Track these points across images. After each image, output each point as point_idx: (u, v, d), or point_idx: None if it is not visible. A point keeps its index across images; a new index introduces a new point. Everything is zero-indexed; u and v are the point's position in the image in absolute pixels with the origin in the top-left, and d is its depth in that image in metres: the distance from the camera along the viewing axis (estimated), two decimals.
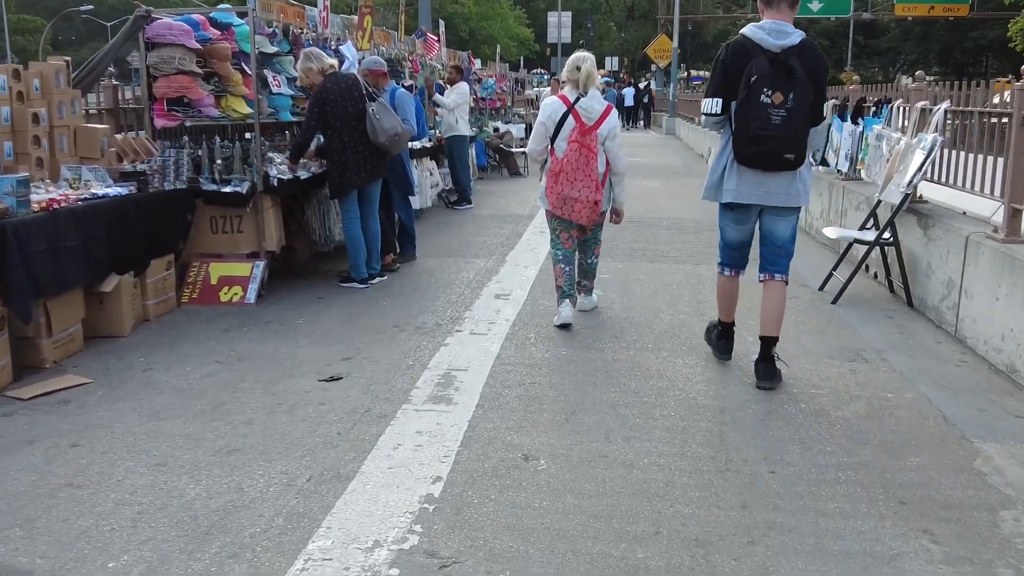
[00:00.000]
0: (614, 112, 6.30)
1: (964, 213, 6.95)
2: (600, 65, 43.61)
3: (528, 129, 19.41)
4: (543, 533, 3.45)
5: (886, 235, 7.26)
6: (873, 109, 9.18)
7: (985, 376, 5.48)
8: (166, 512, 3.63)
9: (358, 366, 5.52)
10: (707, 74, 52.68)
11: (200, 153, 7.17)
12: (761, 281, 5.38)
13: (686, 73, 57.77)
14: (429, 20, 15.36)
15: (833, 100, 10.49)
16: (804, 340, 6.22)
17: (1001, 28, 40.66)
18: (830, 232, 7.69)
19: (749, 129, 4.74)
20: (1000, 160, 6.32)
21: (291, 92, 8.45)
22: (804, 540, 3.44)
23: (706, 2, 50.59)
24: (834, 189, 9.80)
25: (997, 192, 6.31)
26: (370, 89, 7.55)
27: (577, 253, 6.59)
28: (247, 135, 7.30)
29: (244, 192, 6.99)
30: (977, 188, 6.67)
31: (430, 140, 12.42)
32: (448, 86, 13.43)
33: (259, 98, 8.10)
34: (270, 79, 8.27)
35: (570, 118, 6.09)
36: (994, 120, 6.56)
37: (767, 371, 5.18)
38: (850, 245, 7.80)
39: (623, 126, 36.18)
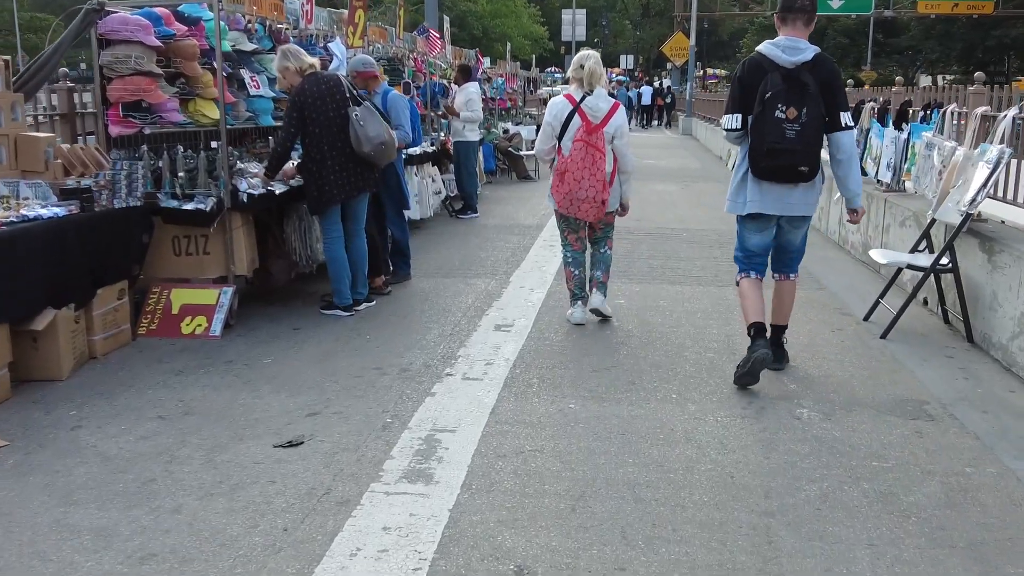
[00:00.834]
0: (621, 110, 6.21)
1: None
2: (615, 63, 42.64)
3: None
4: None
5: (943, 260, 6.26)
6: (921, 114, 8.17)
7: None
8: None
9: (325, 424, 4.57)
10: (723, 72, 51.64)
11: (161, 165, 6.23)
12: (775, 279, 5.57)
13: (702, 72, 56.64)
14: (435, 16, 14.38)
15: (871, 103, 9.49)
16: (856, 388, 5.24)
17: None
18: (878, 256, 6.69)
19: (765, 143, 4.83)
20: None
21: (272, 94, 7.52)
22: None
23: (723, 5, 49.41)
24: (874, 202, 8.79)
25: None
26: (355, 91, 6.59)
27: (589, 248, 6.55)
28: (212, 144, 6.34)
29: (208, 209, 6.05)
30: None
31: (433, 144, 11.47)
32: (453, 87, 12.47)
33: (236, 101, 7.19)
34: (248, 80, 7.35)
35: (576, 117, 6.05)
36: None
37: (776, 354, 5.44)
38: (899, 270, 6.79)
39: (639, 126, 35.17)
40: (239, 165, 6.50)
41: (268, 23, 7.57)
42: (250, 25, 7.18)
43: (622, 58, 54.64)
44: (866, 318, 6.78)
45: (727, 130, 5.14)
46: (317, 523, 3.53)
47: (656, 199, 13.90)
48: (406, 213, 9.41)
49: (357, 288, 6.74)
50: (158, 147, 6.41)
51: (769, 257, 5.48)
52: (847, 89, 10.90)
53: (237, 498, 3.75)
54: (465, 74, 12.25)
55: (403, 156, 7.97)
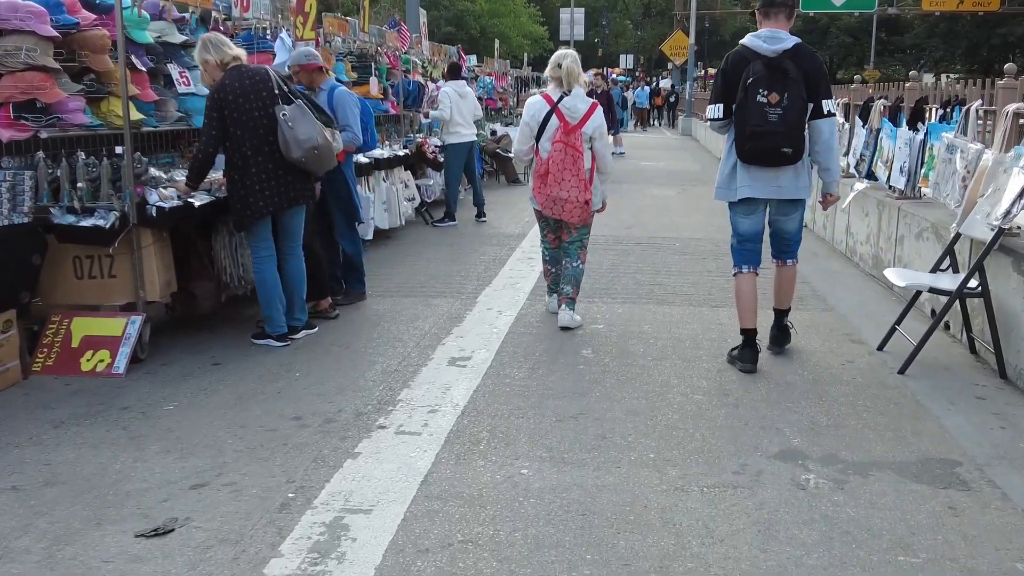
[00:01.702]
0: (599, 111, 6.09)
1: None
2: (615, 64, 41.62)
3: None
4: None
5: (972, 283, 5.30)
6: (940, 112, 7.21)
7: None
8: None
9: (209, 502, 3.62)
10: None
11: (59, 174, 5.29)
12: (775, 264, 5.65)
13: (703, 71, 55.61)
14: (417, 11, 13.42)
15: (882, 101, 8.52)
16: (873, 442, 4.28)
17: None
18: (895, 277, 5.70)
19: (748, 127, 4.97)
20: None
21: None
22: None
23: (723, 3, 48.35)
24: (886, 210, 7.82)
25: None
26: (287, 87, 5.63)
27: (562, 258, 6.31)
28: (117, 149, 5.39)
29: (108, 226, 5.11)
30: None
31: (406, 147, 10.51)
32: (429, 84, 11.52)
33: (165, 100, 6.28)
34: (176, 76, 6.41)
35: (553, 118, 5.93)
36: None
37: (779, 337, 5.64)
38: (919, 293, 5.82)
39: (636, 127, 34.10)
40: (152, 173, 5.54)
41: (209, 13, 6.63)
42: (191, 14, 6.23)
43: (622, 58, 53.61)
44: (880, 347, 5.83)
45: (711, 119, 5.31)
46: None
47: (651, 204, 12.94)
48: (373, 223, 8.49)
49: (294, 314, 5.79)
50: (60, 153, 5.46)
51: (767, 247, 5.58)
52: (854, 87, 9.93)
53: None
54: (453, 73, 11.31)
55: (353, 161, 7.00)
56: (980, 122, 6.33)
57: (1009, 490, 3.79)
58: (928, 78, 51.52)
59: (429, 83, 11.73)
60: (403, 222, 10.00)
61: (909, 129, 7.52)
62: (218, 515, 3.49)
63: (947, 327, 6.13)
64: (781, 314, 5.65)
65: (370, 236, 8.99)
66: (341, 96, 6.65)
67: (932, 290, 5.46)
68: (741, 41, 5.23)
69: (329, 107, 6.59)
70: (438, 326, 6.27)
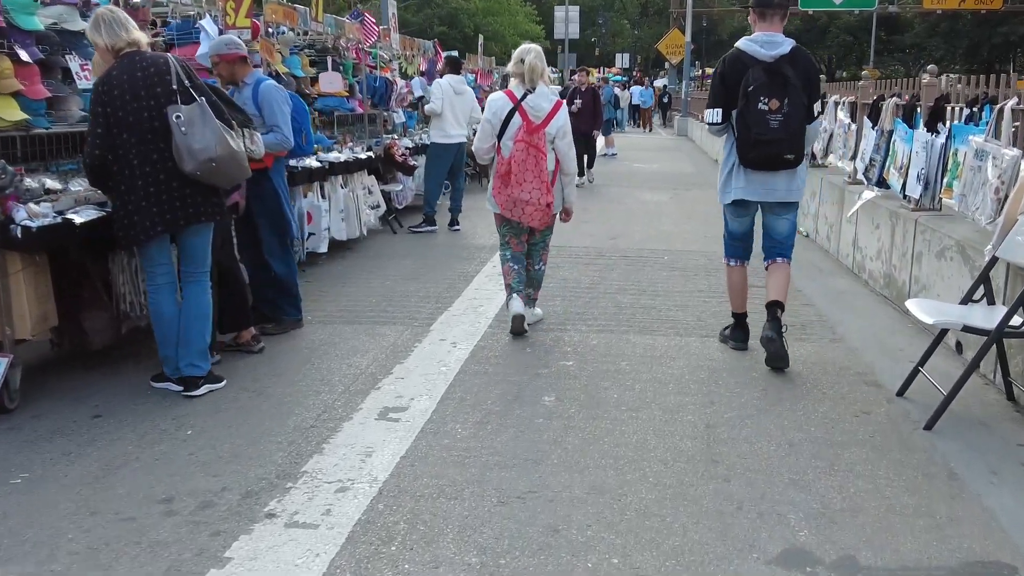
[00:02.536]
0: (563, 109, 5.82)
1: None
2: (611, 63, 40.56)
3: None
4: None
5: (1015, 319, 4.30)
6: (967, 112, 6.20)
7: None
8: None
9: None
10: None
11: None
12: (766, 267, 5.49)
13: (700, 71, 54.58)
14: (387, 1, 12.40)
15: (895, 99, 7.51)
16: (901, 535, 3.30)
17: None
18: (921, 311, 4.66)
19: (751, 135, 4.97)
20: None
21: None
22: None
23: (720, 1, 47.28)
24: (900, 223, 6.82)
25: None
26: (189, 83, 4.61)
27: (525, 259, 6.04)
28: None
29: None
30: None
31: (371, 150, 9.51)
32: (399, 82, 10.52)
33: (64, 96, 5.32)
34: (77, 68, 5.46)
35: (516, 116, 5.65)
36: None
37: (774, 327, 5.23)
38: (946, 331, 4.80)
39: (633, 126, 32.97)
40: (27, 184, 4.54)
41: None
42: None
43: (618, 57, 52.52)
44: (901, 392, 4.83)
45: (709, 123, 5.29)
46: None
47: (640, 211, 11.92)
48: (327, 235, 7.49)
49: (188, 360, 4.74)
50: None
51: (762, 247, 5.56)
52: (862, 83, 8.92)
53: None
54: (453, 66, 10.44)
55: (283, 168, 5.98)
56: (1017, 124, 5.32)
57: None
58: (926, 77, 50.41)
59: (399, 80, 10.69)
60: (364, 232, 8.97)
61: (928, 131, 6.51)
62: None
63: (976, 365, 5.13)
64: (774, 307, 5.30)
65: (323, 250, 7.99)
66: (268, 92, 5.64)
67: (967, 328, 4.44)
68: (737, 45, 5.20)
69: (255, 104, 5.60)
70: (378, 363, 5.27)
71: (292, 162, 7.49)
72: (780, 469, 3.88)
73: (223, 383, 4.86)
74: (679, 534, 3.29)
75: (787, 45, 5.05)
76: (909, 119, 7.09)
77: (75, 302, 4.97)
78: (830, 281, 7.74)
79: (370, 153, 9.31)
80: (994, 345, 4.55)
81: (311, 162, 7.79)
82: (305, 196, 7.86)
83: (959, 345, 5.51)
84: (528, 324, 5.89)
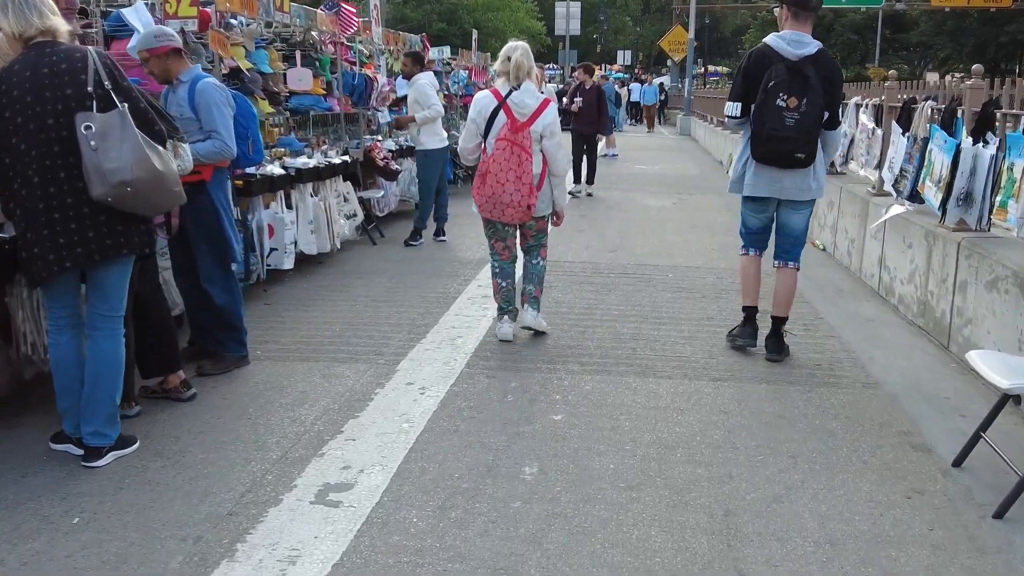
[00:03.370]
0: (551, 107, 5.53)
1: None
2: (612, 60, 39.53)
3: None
4: None
5: None
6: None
7: None
8: None
9: None
10: (724, 69, 48.86)
11: None
12: (775, 267, 5.48)
13: (703, 69, 53.63)
14: None
15: (931, 103, 6.59)
16: None
17: None
18: (990, 370, 3.72)
19: (764, 130, 4.96)
20: None
21: None
22: None
23: None
24: (939, 244, 5.91)
25: None
26: (111, 84, 3.68)
27: (521, 259, 5.80)
28: None
29: None
30: None
31: (346, 153, 8.61)
32: (382, 81, 9.59)
33: None
34: None
35: (501, 114, 5.40)
36: None
37: (776, 345, 5.37)
38: (1005, 399, 3.86)
39: (630, 122, 31.90)
40: None
41: None
42: None
43: (619, 54, 51.51)
44: (957, 463, 3.93)
45: (728, 116, 5.27)
46: None
47: (641, 218, 11.00)
48: (292, 250, 6.58)
49: (96, 425, 3.82)
50: None
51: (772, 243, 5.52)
52: (888, 84, 8.00)
53: None
54: (417, 62, 9.24)
55: (226, 180, 5.07)
56: None
57: None
58: (932, 77, 49.40)
59: (380, 77, 9.76)
60: (338, 245, 8.06)
61: (974, 141, 5.60)
62: None
63: None
64: (779, 322, 5.45)
65: (289, 266, 7.08)
66: (205, 92, 4.73)
67: None
68: (765, 40, 5.16)
69: (191, 106, 4.69)
70: (328, 417, 4.36)
71: (251, 169, 6.60)
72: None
73: (135, 446, 3.96)
74: None
75: (813, 47, 5.02)
76: (948, 126, 6.17)
77: None
78: (854, 306, 6.83)
79: (345, 157, 8.40)
80: None
81: (273, 169, 6.88)
82: (267, 207, 6.96)
83: (1020, 400, 4.60)
84: (529, 327, 5.72)
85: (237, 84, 7.63)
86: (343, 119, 9.07)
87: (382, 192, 9.45)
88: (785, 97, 4.91)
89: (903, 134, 6.92)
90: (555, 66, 45.05)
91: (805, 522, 3.40)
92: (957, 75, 45.57)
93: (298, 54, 7.79)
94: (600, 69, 39.79)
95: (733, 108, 5.20)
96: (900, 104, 7.30)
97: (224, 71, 7.25)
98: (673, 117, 35.77)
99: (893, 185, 6.94)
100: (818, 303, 6.81)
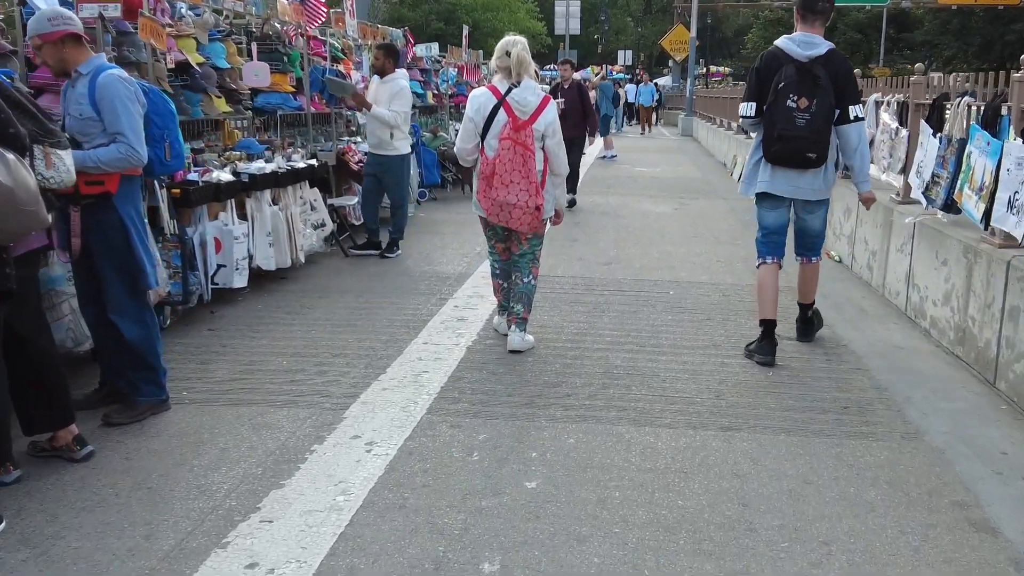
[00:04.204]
0: (552, 104, 5.24)
1: None
2: (613, 60, 38.57)
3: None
4: None
5: None
6: None
7: None
8: None
9: None
10: (727, 70, 48.04)
11: None
12: (797, 262, 5.48)
13: (705, 69, 52.70)
14: None
15: (967, 99, 5.73)
16: None
17: None
18: None
19: (776, 130, 4.96)
20: None
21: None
22: None
23: None
24: (982, 262, 5.05)
25: None
26: None
27: (511, 273, 5.41)
28: None
29: None
30: None
31: (313, 156, 7.75)
32: (359, 77, 8.72)
33: None
34: None
35: (501, 112, 5.10)
36: None
37: (805, 329, 5.52)
38: None
39: (625, 124, 30.80)
40: None
41: None
42: None
43: (620, 54, 50.57)
44: None
45: (742, 116, 5.26)
46: None
47: (640, 226, 10.13)
48: (244, 267, 5.72)
49: None
50: None
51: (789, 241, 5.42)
52: (915, 78, 7.12)
53: None
54: (392, 57, 8.18)
55: (137, 192, 4.19)
56: None
57: None
58: (936, 77, 48.21)
59: (354, 74, 8.88)
60: (302, 259, 7.19)
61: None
62: None
63: None
64: (805, 308, 5.56)
65: (240, 284, 6.22)
66: (108, 86, 3.87)
67: None
68: (776, 42, 5.20)
69: (91, 103, 3.83)
70: (245, 487, 3.50)
71: (193, 175, 5.75)
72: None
73: (2, 524, 3.10)
74: None
75: (824, 47, 5.01)
76: (992, 126, 5.30)
77: None
78: (880, 330, 5.96)
79: (312, 161, 7.53)
80: None
81: (220, 175, 6.02)
82: (215, 218, 6.10)
83: None
84: (517, 351, 5.27)
85: (186, 80, 6.81)
86: (310, 119, 8.18)
87: (356, 199, 8.58)
88: (795, 98, 4.91)
89: (934, 135, 6.05)
90: (555, 67, 44.11)
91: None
92: (962, 74, 44.55)
93: (254, 46, 6.92)
94: (600, 68, 38.95)
95: (748, 108, 5.19)
96: (929, 102, 6.43)
97: (170, 65, 6.43)
98: (674, 118, 34.82)
99: (923, 192, 6.07)
100: (839, 326, 5.95)
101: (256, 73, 6.88)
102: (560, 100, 10.69)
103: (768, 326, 5.24)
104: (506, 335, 5.35)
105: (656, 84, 38.34)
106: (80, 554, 3.00)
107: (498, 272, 5.51)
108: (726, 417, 4.30)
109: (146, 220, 4.43)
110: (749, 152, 5.39)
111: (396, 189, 8.05)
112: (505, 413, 4.30)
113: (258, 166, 6.52)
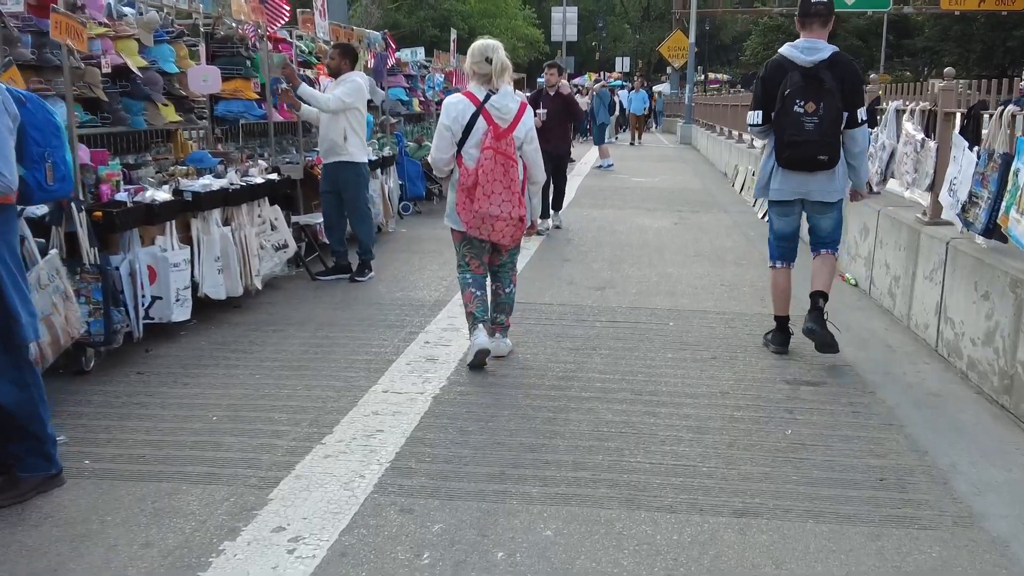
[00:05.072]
0: (529, 111, 5.05)
1: None
2: (611, 67, 37.70)
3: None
4: None
5: None
6: None
7: None
8: None
9: None
10: (724, 77, 47.37)
11: None
12: (813, 256, 5.38)
13: (703, 76, 51.95)
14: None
15: (1012, 108, 4.93)
16: None
17: None
18: None
19: (786, 136, 5.02)
20: None
21: None
22: None
23: (726, 1, 44.47)
24: (1006, 293, 4.24)
25: None
26: None
27: (490, 282, 5.23)
28: None
29: None
30: None
31: (275, 171, 6.96)
32: (323, 80, 7.93)
33: None
34: None
35: (480, 120, 4.86)
36: None
37: (816, 318, 5.16)
38: None
39: (615, 134, 29.71)
40: None
41: None
42: None
43: (617, 60, 49.81)
44: None
45: (751, 125, 5.33)
46: None
47: (637, 243, 9.33)
48: (186, 300, 4.90)
49: None
50: None
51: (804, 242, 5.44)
52: (942, 84, 6.33)
53: None
54: (348, 58, 7.21)
55: (12, 223, 3.37)
56: None
57: None
58: (936, 84, 47.36)
59: (323, 79, 8.08)
60: (258, 285, 6.38)
61: None
62: None
63: None
64: (817, 296, 5.22)
65: (182, 317, 5.42)
66: None
67: None
68: (779, 50, 5.23)
69: None
70: None
71: (122, 196, 4.96)
72: None
73: None
74: None
75: (827, 51, 5.03)
76: None
77: None
78: (912, 372, 5.16)
79: (273, 176, 6.73)
80: None
81: (155, 195, 5.23)
82: (152, 242, 5.30)
83: None
84: (497, 357, 5.13)
85: (126, 86, 6.02)
86: (272, 129, 7.38)
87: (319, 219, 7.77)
88: (802, 103, 4.95)
89: (970, 148, 5.26)
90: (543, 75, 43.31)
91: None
92: (963, 81, 43.77)
93: (202, 48, 6.12)
94: (598, 75, 38.13)
95: (755, 116, 5.25)
96: (963, 111, 5.64)
97: (105, 69, 5.64)
98: (673, 125, 34.03)
99: (959, 214, 5.27)
100: (864, 368, 5.15)
101: (205, 78, 6.08)
102: (541, 111, 9.18)
103: (782, 321, 5.44)
104: (480, 350, 4.94)
105: (653, 91, 37.54)
106: None
107: (471, 282, 5.13)
108: (739, 496, 3.49)
109: (39, 255, 3.60)
110: (762, 159, 5.43)
111: (356, 203, 7.23)
112: (470, 491, 3.49)
113: (204, 183, 5.72)
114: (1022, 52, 41.18)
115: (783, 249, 5.44)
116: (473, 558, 2.99)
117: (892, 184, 7.09)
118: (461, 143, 4.89)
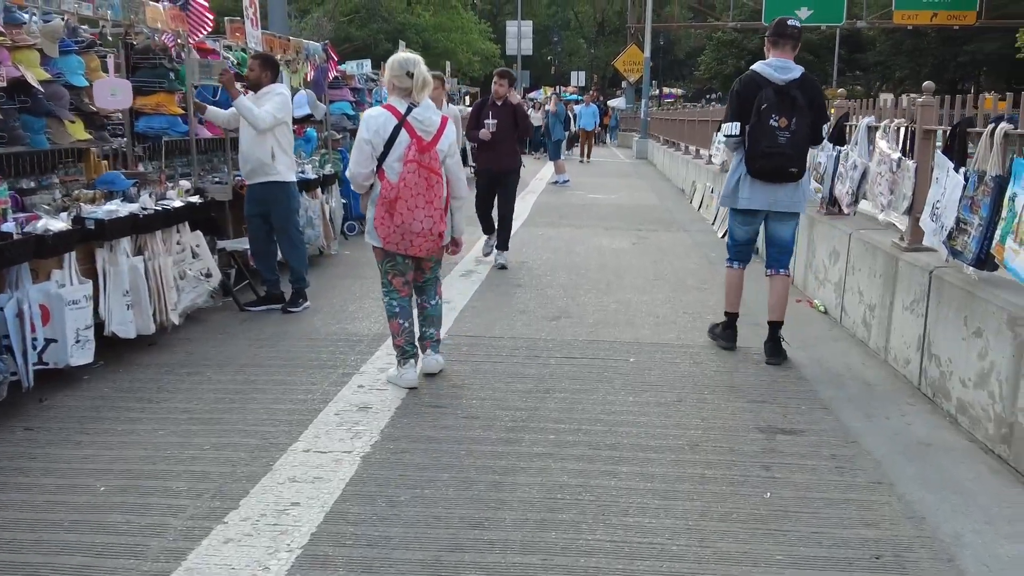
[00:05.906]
0: (451, 123, 4.97)
1: None
2: (566, 81, 37.44)
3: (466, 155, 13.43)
4: None
5: None
6: None
7: None
8: None
9: None
10: (679, 91, 47.41)
11: None
12: (768, 276, 5.65)
13: (658, 90, 51.92)
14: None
15: (1005, 126, 4.46)
16: None
17: (1004, 39, 34.82)
18: None
19: (760, 147, 5.26)
20: None
21: None
22: None
23: (680, 15, 44.36)
24: (1003, 331, 3.76)
25: None
26: None
27: (415, 298, 5.12)
28: None
29: None
30: None
31: (199, 194, 6.33)
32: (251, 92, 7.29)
33: None
34: None
35: (403, 133, 4.70)
36: None
37: (774, 349, 5.49)
38: None
39: (570, 150, 29.03)
40: None
41: None
42: None
43: (573, 75, 49.57)
44: None
45: (727, 136, 5.51)
46: None
47: (595, 266, 8.80)
48: (87, 341, 4.26)
49: None
50: None
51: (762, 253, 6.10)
52: (921, 100, 5.87)
53: None
54: (269, 69, 6.51)
55: None
56: None
57: None
58: (887, 97, 47.71)
59: (249, 92, 7.42)
60: (175, 320, 5.73)
61: None
62: None
63: None
64: (774, 327, 5.55)
65: (83, 361, 4.77)
66: None
67: None
68: (752, 67, 5.48)
69: None
70: None
71: (8, 226, 4.31)
72: None
73: None
74: None
75: (797, 72, 5.33)
76: None
77: None
78: (896, 417, 4.67)
79: (194, 199, 6.09)
80: None
81: (49, 224, 4.58)
82: (48, 277, 4.65)
83: None
84: (432, 373, 5.07)
85: (26, 101, 5.37)
86: (194, 147, 6.73)
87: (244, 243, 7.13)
88: (777, 118, 5.19)
89: (955, 169, 4.79)
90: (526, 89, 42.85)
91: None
92: (913, 95, 44.08)
93: (111, 59, 5.46)
94: (552, 90, 37.74)
95: (732, 128, 5.42)
96: (946, 128, 5.19)
97: (0, 82, 5.00)
98: (628, 140, 33.70)
99: (945, 241, 4.79)
100: (844, 413, 4.66)
101: (113, 92, 5.43)
102: (490, 122, 8.34)
103: (732, 318, 5.78)
104: (410, 388, 4.87)
105: (608, 106, 37.22)
106: None
107: (397, 311, 4.95)
108: None
109: None
110: (731, 169, 5.61)
111: (285, 227, 6.61)
112: None
113: (109, 208, 5.08)
114: (973, 67, 41.62)
115: (741, 253, 5.75)
116: None
117: (865, 206, 6.64)
118: (383, 157, 4.72)
